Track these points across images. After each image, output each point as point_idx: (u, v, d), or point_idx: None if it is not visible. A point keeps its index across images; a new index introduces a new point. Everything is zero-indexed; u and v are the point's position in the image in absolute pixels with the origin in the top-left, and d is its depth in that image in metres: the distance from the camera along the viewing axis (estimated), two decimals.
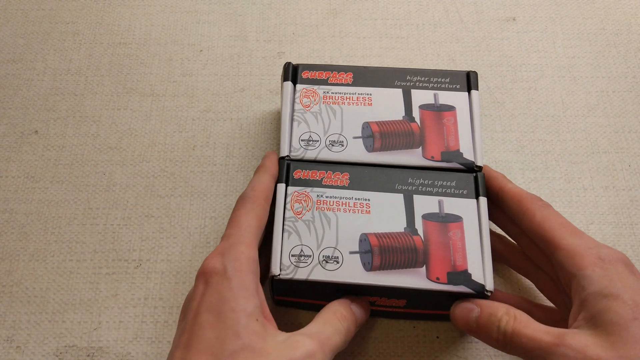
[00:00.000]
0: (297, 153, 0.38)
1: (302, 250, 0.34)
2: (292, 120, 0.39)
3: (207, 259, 0.32)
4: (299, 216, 0.35)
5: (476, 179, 0.37)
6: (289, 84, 0.40)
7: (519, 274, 0.39)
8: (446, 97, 0.39)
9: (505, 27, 0.50)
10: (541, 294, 0.39)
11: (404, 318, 0.38)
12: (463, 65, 0.48)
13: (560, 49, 0.49)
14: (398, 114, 0.39)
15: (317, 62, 0.48)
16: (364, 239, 0.35)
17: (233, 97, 0.47)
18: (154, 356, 0.37)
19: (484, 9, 0.51)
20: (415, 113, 0.39)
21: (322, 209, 0.36)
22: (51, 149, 0.44)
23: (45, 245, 0.41)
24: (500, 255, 0.38)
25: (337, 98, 0.39)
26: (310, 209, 0.36)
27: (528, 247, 0.36)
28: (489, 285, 0.33)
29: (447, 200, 0.36)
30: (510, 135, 0.45)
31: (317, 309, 0.36)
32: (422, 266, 0.34)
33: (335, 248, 0.34)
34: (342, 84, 0.40)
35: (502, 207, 0.37)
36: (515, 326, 0.31)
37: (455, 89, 0.40)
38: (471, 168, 0.37)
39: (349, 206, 0.36)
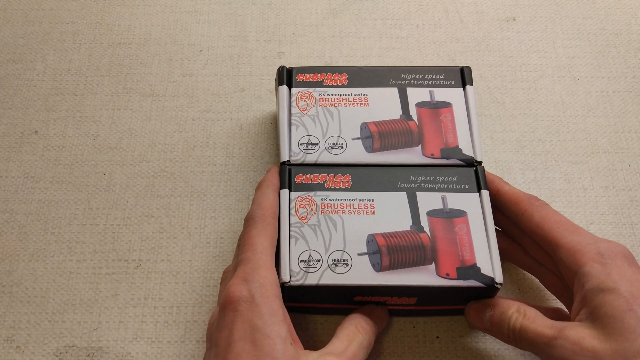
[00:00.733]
0: (297, 157, 0.38)
1: (310, 255, 0.34)
2: (290, 124, 0.39)
3: (231, 287, 0.31)
4: (304, 221, 0.35)
5: (477, 173, 0.37)
6: (284, 87, 0.40)
7: (523, 270, 0.39)
8: (442, 94, 0.40)
9: (505, 27, 0.50)
10: (546, 291, 0.39)
11: (414, 315, 0.38)
12: (463, 65, 0.48)
13: (560, 49, 0.49)
14: (395, 113, 0.39)
15: (317, 62, 0.48)
16: (371, 239, 0.35)
17: (233, 97, 0.47)
18: (154, 356, 0.37)
19: (484, 9, 0.51)
20: (412, 111, 0.39)
21: (327, 212, 0.36)
22: (51, 149, 0.44)
23: (45, 245, 0.41)
24: (504, 253, 0.38)
25: (333, 100, 0.39)
26: (315, 213, 0.36)
27: (530, 246, 0.37)
28: (498, 277, 0.34)
29: (450, 196, 0.36)
30: (510, 135, 0.45)
31: (328, 312, 0.36)
32: (431, 263, 0.34)
33: (343, 251, 0.34)
34: (337, 86, 0.40)
35: (500, 209, 0.37)
36: (523, 322, 0.32)
37: (450, 85, 0.40)
38: (471, 163, 0.37)
39: (353, 208, 0.36)
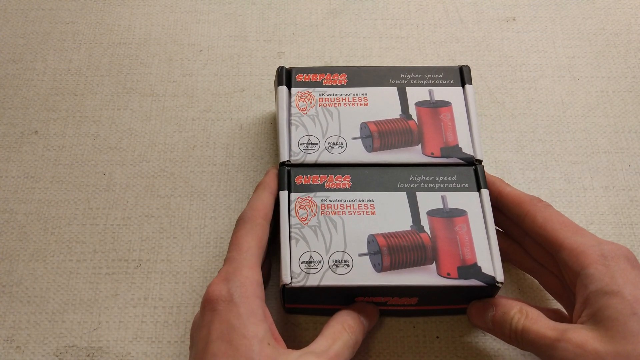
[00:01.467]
0: (297, 157, 0.38)
1: (311, 256, 0.34)
2: (289, 124, 0.39)
3: (211, 286, 0.32)
4: (304, 222, 0.35)
5: (476, 172, 0.37)
6: (283, 88, 0.40)
7: (523, 271, 0.39)
8: (441, 93, 0.40)
9: (505, 27, 0.50)
10: (545, 292, 0.39)
11: (415, 316, 0.38)
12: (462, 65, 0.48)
13: (560, 49, 0.49)
14: (395, 112, 0.39)
15: (317, 63, 0.48)
16: (371, 240, 0.35)
17: (233, 97, 0.47)
18: (154, 356, 0.37)
19: (484, 9, 0.51)
20: (412, 110, 0.39)
21: (327, 213, 0.36)
22: (51, 149, 0.44)
23: (45, 245, 0.41)
24: (505, 253, 0.38)
25: (333, 100, 0.39)
26: (315, 214, 0.36)
27: (532, 247, 0.37)
28: (499, 276, 0.34)
29: (449, 195, 0.36)
30: (510, 135, 0.45)
31: (330, 313, 0.36)
32: (432, 263, 0.34)
33: (344, 252, 0.34)
34: (336, 86, 0.40)
35: (502, 210, 0.37)
36: (525, 323, 0.32)
37: (450, 84, 0.40)
38: (471, 162, 0.37)
39: (353, 208, 0.36)
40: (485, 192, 0.36)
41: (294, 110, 0.39)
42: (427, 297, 0.35)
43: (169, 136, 0.45)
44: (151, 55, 0.48)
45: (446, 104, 0.39)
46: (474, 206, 0.36)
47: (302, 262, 0.34)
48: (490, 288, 0.34)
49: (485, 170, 0.38)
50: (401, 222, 0.35)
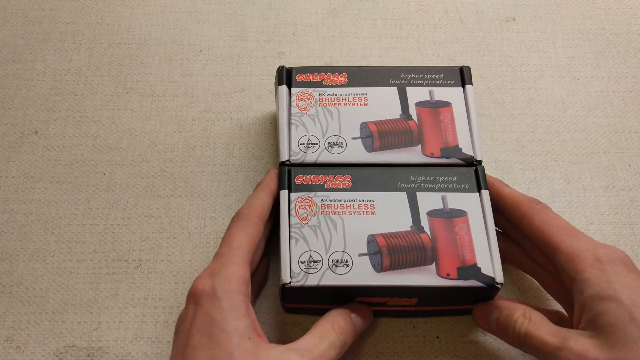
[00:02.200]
0: (297, 157, 0.38)
1: (310, 256, 0.34)
2: (289, 124, 0.39)
3: (197, 280, 0.32)
4: (304, 222, 0.35)
5: (477, 173, 0.37)
6: (283, 87, 0.40)
7: (523, 272, 0.39)
8: (441, 93, 0.40)
9: (505, 27, 0.50)
10: (545, 292, 0.39)
11: (415, 316, 0.38)
12: (463, 65, 0.48)
13: (560, 49, 0.49)
14: (395, 112, 0.39)
15: (317, 62, 0.48)
16: (371, 240, 0.35)
17: (233, 97, 0.47)
18: (154, 356, 0.37)
19: (484, 9, 0.51)
20: (412, 111, 0.39)
21: (327, 213, 0.36)
22: (51, 149, 0.44)
23: (45, 245, 0.41)
24: (505, 255, 0.38)
25: (333, 100, 0.39)
26: (315, 214, 0.36)
27: (531, 249, 0.37)
28: (499, 277, 0.34)
29: (450, 196, 0.36)
30: (510, 135, 0.45)
31: None
32: (432, 263, 0.34)
33: (343, 251, 0.34)
34: (337, 85, 0.40)
35: (501, 212, 0.37)
36: (528, 327, 0.32)
37: (450, 85, 0.40)
38: (471, 163, 0.37)
39: (353, 208, 0.36)
40: (485, 193, 0.36)
41: (294, 109, 0.39)
42: (427, 297, 0.35)
43: (169, 136, 0.45)
44: (151, 56, 0.48)
45: (446, 104, 0.39)
46: (474, 207, 0.36)
47: (302, 262, 0.34)
48: (489, 289, 0.34)
49: (485, 170, 0.38)
50: (401, 223, 0.35)
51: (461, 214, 0.36)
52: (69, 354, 0.37)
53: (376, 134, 0.38)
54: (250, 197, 0.36)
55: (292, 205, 0.36)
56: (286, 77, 0.40)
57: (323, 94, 0.40)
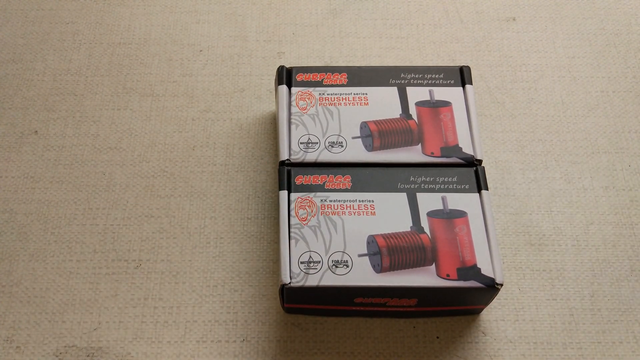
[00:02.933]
0: (297, 156, 0.38)
1: (310, 256, 0.34)
2: (289, 123, 0.39)
3: None
4: (304, 222, 0.35)
5: (477, 173, 0.37)
6: (283, 87, 0.40)
7: None
8: (441, 93, 0.40)
9: (505, 27, 0.50)
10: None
11: (415, 317, 0.38)
12: (463, 65, 0.48)
13: (560, 49, 0.49)
14: (395, 112, 0.39)
15: (317, 62, 0.48)
16: (371, 240, 0.35)
17: (233, 97, 0.47)
18: (154, 356, 0.37)
19: (484, 9, 0.51)
20: (412, 110, 0.39)
21: (327, 213, 0.36)
22: (51, 149, 0.44)
23: (45, 245, 0.41)
24: None
25: (333, 99, 0.39)
26: (315, 215, 0.36)
27: None
28: (499, 278, 0.34)
29: (450, 196, 0.36)
30: (510, 135, 0.45)
31: (329, 314, 0.36)
32: (432, 264, 0.34)
33: (343, 252, 0.34)
34: (337, 85, 0.40)
35: None
36: None
37: (450, 84, 0.40)
38: (471, 162, 0.37)
39: (353, 209, 0.36)
40: (485, 194, 0.36)
41: (294, 109, 0.39)
42: (427, 298, 0.35)
43: (168, 136, 0.45)
44: (151, 55, 0.48)
45: (446, 103, 0.39)
46: (474, 207, 0.36)
47: (302, 262, 0.34)
48: (489, 289, 0.34)
49: (485, 170, 0.38)
50: (401, 223, 0.35)
51: (461, 214, 0.36)
52: (68, 354, 0.37)
53: (376, 133, 0.38)
54: None
55: (292, 206, 0.36)
56: (286, 76, 0.40)
57: (323, 94, 0.40)
